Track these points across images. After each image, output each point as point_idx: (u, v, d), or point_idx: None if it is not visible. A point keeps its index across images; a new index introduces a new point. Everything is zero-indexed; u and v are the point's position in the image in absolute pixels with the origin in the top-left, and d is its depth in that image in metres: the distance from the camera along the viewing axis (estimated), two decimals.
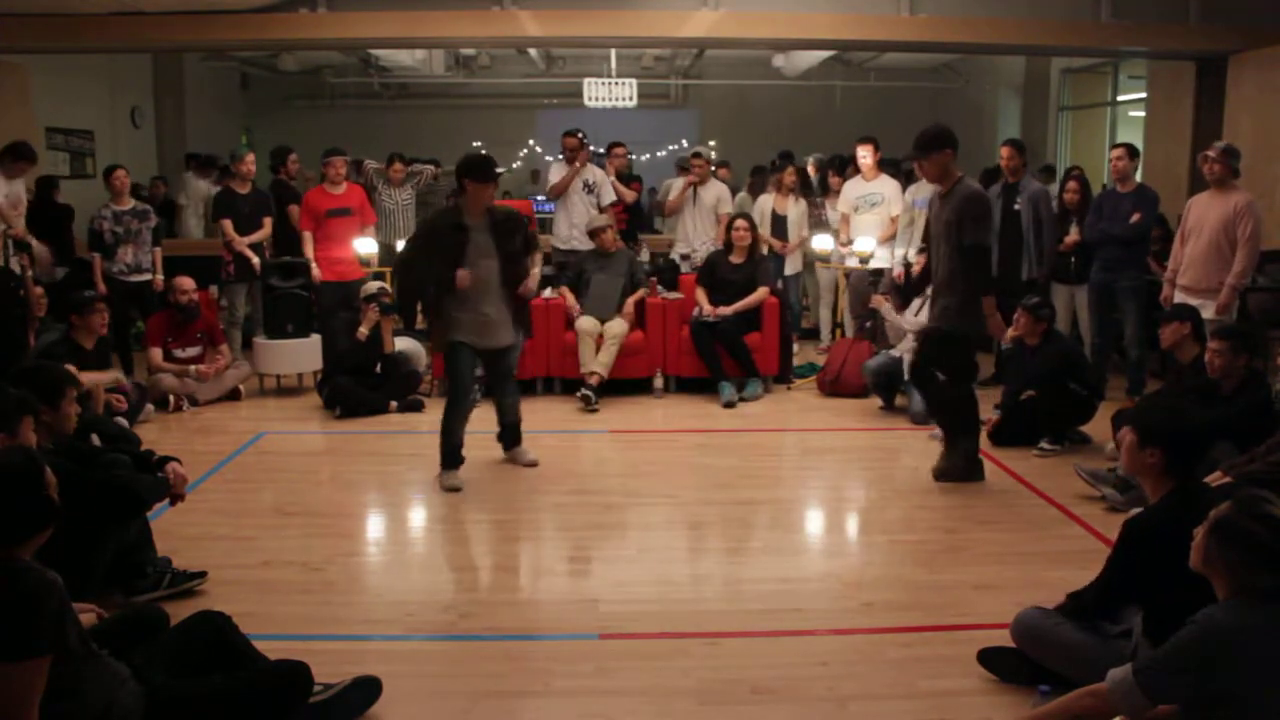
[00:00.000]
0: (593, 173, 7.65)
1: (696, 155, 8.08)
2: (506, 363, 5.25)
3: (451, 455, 5.02)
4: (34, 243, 6.79)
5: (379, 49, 11.45)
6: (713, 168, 8.77)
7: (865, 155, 7.48)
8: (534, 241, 5.32)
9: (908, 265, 6.95)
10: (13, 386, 3.32)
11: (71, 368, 4.36)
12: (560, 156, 7.71)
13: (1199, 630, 2.23)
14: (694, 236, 7.90)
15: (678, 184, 8.48)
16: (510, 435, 5.38)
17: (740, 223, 7.11)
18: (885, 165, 7.65)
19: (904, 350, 6.33)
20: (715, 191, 7.98)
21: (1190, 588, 2.38)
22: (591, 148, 8.00)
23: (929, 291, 6.29)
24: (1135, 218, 6.36)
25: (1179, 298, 5.79)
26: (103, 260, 7.11)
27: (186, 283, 6.68)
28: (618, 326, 6.72)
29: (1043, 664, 3.00)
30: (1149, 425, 2.88)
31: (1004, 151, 6.99)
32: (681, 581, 3.97)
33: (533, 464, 5.29)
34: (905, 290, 6.65)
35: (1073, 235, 6.74)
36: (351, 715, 2.87)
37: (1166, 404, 3.23)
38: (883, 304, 6.52)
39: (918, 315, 6.21)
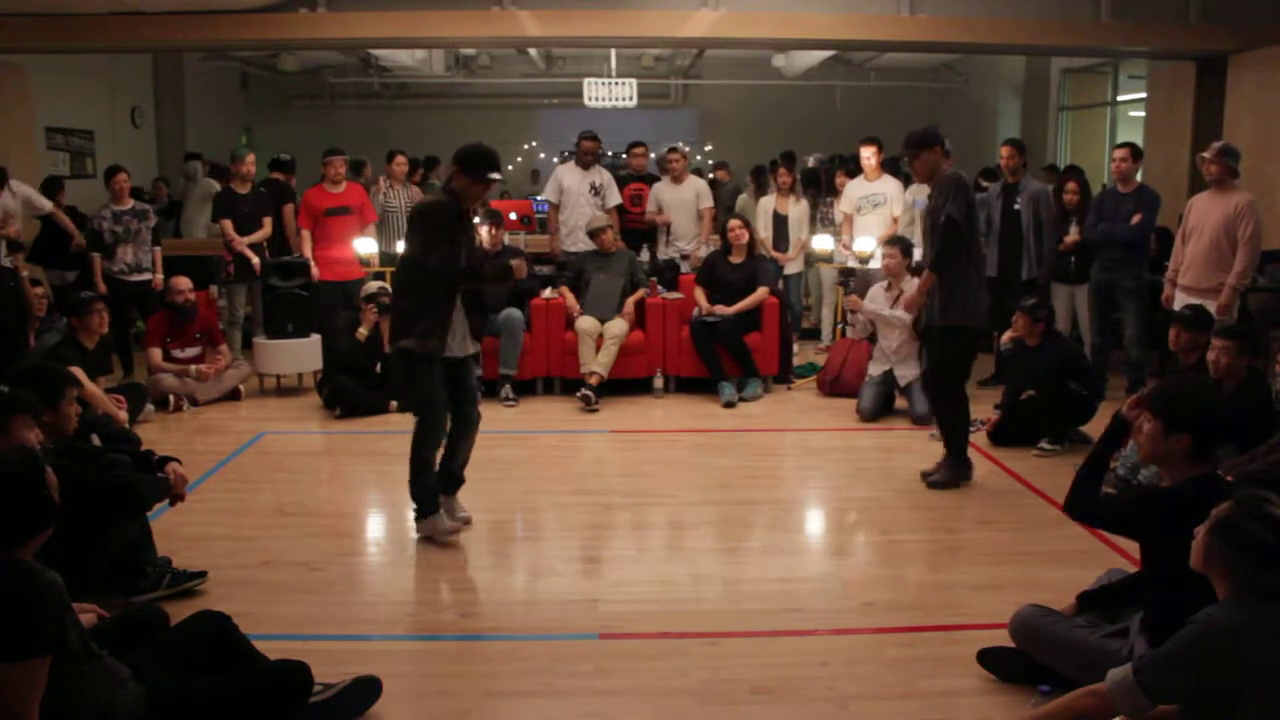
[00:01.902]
0: (599, 174, 7.65)
1: (673, 150, 8.05)
2: (471, 376, 4.47)
3: (431, 497, 4.34)
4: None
5: (379, 49, 11.46)
6: (711, 174, 8.75)
7: (869, 156, 7.48)
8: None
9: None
10: (13, 386, 3.31)
11: (78, 372, 4.35)
12: (566, 156, 7.71)
13: (1199, 630, 2.23)
14: (676, 234, 7.88)
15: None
16: (454, 481, 4.50)
17: (734, 222, 7.12)
18: (887, 165, 7.65)
19: (891, 345, 6.34)
20: (694, 188, 7.96)
21: (1189, 577, 2.37)
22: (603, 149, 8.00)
23: (888, 282, 6.36)
24: (1136, 219, 6.35)
25: (1179, 298, 5.79)
26: (103, 260, 7.14)
27: (183, 282, 6.68)
28: (618, 326, 6.73)
29: (1040, 661, 2.99)
30: (1175, 411, 2.75)
31: (1004, 151, 7.00)
32: (681, 581, 3.96)
33: (466, 522, 4.47)
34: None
35: (1072, 235, 6.74)
36: (351, 715, 2.87)
37: (1190, 386, 3.05)
38: (860, 304, 6.53)
39: (894, 308, 6.23)
